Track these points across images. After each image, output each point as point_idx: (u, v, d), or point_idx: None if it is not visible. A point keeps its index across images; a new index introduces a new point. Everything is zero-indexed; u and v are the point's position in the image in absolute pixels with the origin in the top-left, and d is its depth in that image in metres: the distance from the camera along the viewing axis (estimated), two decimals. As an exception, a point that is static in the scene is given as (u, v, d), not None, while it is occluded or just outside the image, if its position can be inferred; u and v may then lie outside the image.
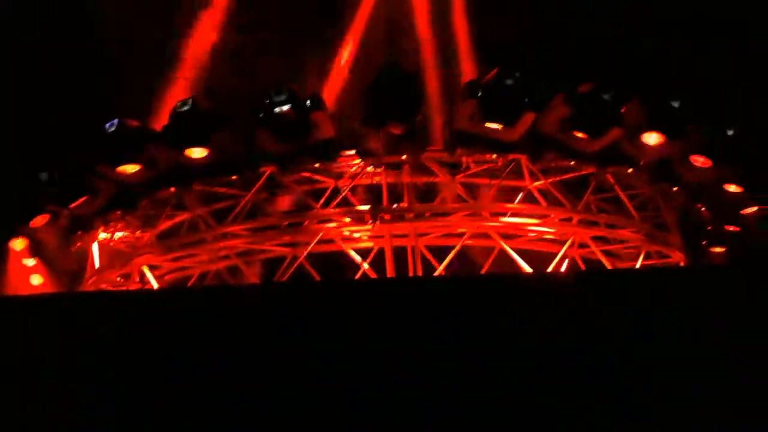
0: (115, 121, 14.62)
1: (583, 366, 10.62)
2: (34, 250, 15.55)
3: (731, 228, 15.89)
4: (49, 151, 15.96)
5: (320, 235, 14.93)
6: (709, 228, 16.07)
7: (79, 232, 15.74)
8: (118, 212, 15.75)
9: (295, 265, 14.96)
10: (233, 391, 10.48)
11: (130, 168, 14.86)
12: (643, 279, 12.88)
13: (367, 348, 10.84)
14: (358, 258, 15.10)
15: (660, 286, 11.62)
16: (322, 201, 15.18)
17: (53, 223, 15.35)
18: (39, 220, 15.46)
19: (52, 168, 15.39)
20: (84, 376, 10.49)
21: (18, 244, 15.60)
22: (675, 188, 15.73)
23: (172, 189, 15.52)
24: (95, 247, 16.03)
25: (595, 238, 15.85)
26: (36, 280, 15.84)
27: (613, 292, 11.39)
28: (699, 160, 15.15)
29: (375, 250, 15.55)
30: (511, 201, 15.48)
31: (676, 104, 15.00)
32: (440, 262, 14.93)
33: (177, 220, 16.09)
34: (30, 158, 16.26)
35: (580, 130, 14.78)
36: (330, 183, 15.39)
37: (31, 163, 15.84)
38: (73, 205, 15.23)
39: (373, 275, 15.07)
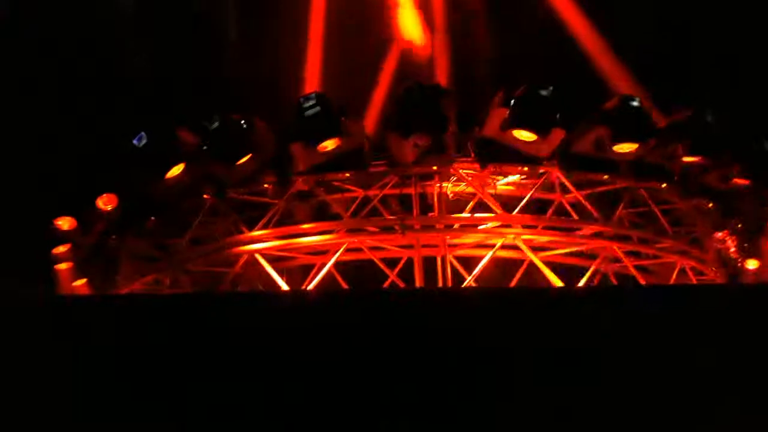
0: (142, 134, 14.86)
1: (611, 382, 10.58)
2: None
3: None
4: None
5: (346, 244, 14.98)
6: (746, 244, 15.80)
7: (114, 237, 15.95)
8: (152, 219, 15.96)
9: (323, 273, 15.03)
10: (259, 396, 10.58)
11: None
12: (676, 295, 12.77)
13: (392, 357, 10.89)
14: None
15: (692, 303, 11.53)
16: (351, 210, 15.28)
17: (85, 228, 15.56)
18: (69, 223, 15.68)
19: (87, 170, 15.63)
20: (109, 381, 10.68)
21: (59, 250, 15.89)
22: (710, 204, 15.51)
23: (206, 195, 15.76)
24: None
25: (628, 254, 15.70)
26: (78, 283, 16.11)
27: (642, 308, 11.32)
28: (734, 177, 14.99)
29: (404, 260, 15.59)
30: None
31: (710, 119, 14.88)
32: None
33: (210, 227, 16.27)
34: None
35: (616, 143, 14.74)
36: (359, 192, 15.46)
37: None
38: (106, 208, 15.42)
39: (401, 285, 15.12)
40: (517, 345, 10.84)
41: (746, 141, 15.02)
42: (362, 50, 18.59)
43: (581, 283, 15.18)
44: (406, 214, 15.17)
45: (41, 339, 10.76)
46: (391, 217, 15.20)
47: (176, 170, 15.06)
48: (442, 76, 18.48)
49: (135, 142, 15.11)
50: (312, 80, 18.52)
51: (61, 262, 15.87)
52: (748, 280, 15.17)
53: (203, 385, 10.64)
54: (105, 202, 15.43)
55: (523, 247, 15.03)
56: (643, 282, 15.42)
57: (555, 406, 10.44)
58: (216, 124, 15.06)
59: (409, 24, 18.60)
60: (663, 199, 15.73)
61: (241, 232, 15.57)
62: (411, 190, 15.28)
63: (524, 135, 14.59)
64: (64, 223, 15.47)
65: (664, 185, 15.48)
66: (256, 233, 15.34)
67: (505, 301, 12.06)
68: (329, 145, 14.65)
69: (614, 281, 16.04)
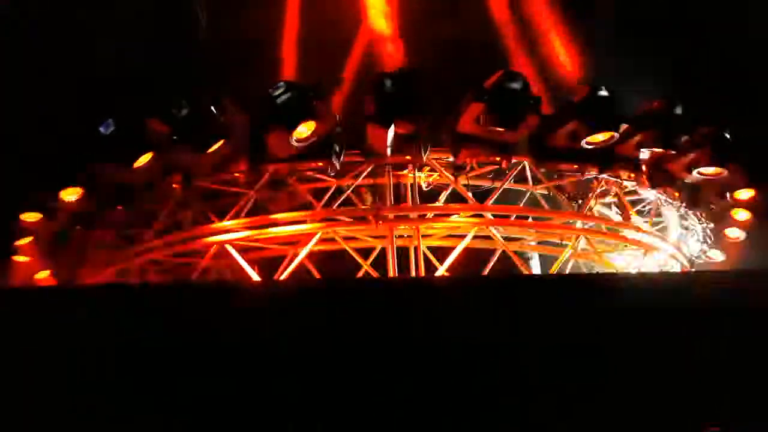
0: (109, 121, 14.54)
1: (589, 369, 10.71)
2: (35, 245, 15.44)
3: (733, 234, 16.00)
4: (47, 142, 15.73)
5: (320, 233, 14.87)
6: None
7: (79, 228, 15.63)
8: (119, 208, 15.66)
9: (296, 263, 14.91)
10: (231, 387, 10.47)
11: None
12: (645, 284, 12.97)
13: (367, 348, 10.87)
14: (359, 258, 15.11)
15: (658, 291, 11.72)
16: (324, 200, 15.18)
17: (50, 219, 15.23)
18: (34, 216, 15.33)
19: (51, 159, 15.22)
20: (82, 372, 10.49)
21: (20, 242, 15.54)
22: (676, 192, 15.80)
23: (177, 185, 15.50)
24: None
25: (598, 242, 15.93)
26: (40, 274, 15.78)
27: (616, 296, 11.47)
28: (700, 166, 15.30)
29: (377, 250, 15.55)
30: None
31: (678, 110, 15.15)
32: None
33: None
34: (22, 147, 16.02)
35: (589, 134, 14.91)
36: (332, 182, 15.37)
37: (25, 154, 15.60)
38: (70, 200, 15.09)
39: (375, 275, 15.08)
40: (491, 335, 10.92)
41: (713, 131, 15.32)
42: (331, 31, 18.38)
43: (552, 272, 15.33)
44: (380, 203, 15.15)
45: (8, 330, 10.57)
46: (365, 207, 15.15)
47: (144, 159, 14.79)
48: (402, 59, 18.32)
49: (102, 129, 14.80)
50: (285, 60, 18.25)
51: (22, 255, 15.63)
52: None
53: (171, 378, 10.55)
54: (69, 194, 15.12)
55: (496, 236, 15.12)
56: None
57: (530, 396, 10.56)
58: (185, 111, 14.79)
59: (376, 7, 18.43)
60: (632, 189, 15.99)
61: (211, 222, 15.40)
62: (384, 180, 15.25)
63: (498, 128, 14.68)
64: (29, 216, 15.13)
65: (631, 175, 15.69)
66: (227, 223, 15.15)
67: (478, 290, 12.13)
68: (305, 130, 14.50)
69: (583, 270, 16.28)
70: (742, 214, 15.86)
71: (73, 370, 10.51)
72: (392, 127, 14.39)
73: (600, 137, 14.82)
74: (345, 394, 10.62)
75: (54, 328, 10.84)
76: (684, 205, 15.87)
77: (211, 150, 14.85)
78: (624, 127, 14.97)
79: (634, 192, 16.06)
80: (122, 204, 15.62)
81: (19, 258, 15.56)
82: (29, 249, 15.55)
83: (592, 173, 15.42)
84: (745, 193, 15.69)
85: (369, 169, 15.13)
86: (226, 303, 11.35)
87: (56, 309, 11.14)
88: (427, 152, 14.90)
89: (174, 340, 10.82)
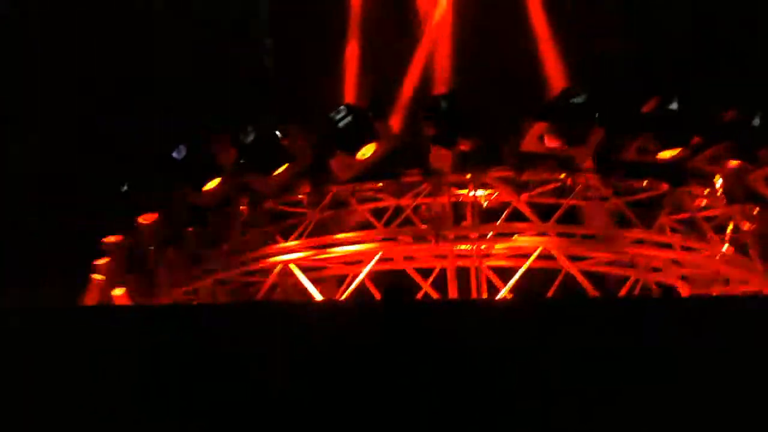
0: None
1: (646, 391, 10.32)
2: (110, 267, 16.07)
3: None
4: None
5: (380, 253, 14.87)
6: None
7: (153, 249, 16.16)
8: (191, 230, 16.11)
9: (356, 283, 14.96)
10: (287, 406, 10.57)
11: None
12: (719, 307, 12.37)
13: (425, 368, 10.77)
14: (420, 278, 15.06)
15: (737, 315, 11.16)
16: (384, 219, 15.18)
17: (125, 239, 15.84)
18: (114, 238, 15.98)
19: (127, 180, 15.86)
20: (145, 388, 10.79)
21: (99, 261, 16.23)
22: (756, 209, 14.98)
23: (243, 206, 15.85)
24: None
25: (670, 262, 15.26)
26: (116, 293, 16.42)
27: (689, 319, 10.98)
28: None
29: (437, 270, 15.42)
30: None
31: (756, 123, 14.43)
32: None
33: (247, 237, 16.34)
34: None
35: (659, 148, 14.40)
36: (392, 201, 15.36)
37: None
38: (144, 221, 15.66)
39: (435, 295, 14.97)
40: (553, 357, 10.61)
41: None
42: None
43: (621, 293, 14.82)
44: (440, 221, 15.02)
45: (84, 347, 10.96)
46: (426, 227, 15.06)
47: (214, 183, 15.25)
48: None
49: (175, 155, 15.40)
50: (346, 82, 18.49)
51: (99, 273, 16.29)
52: None
53: (239, 398, 10.68)
54: (145, 219, 15.73)
55: (560, 256, 14.71)
56: (684, 292, 14.99)
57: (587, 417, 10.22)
58: (252, 137, 15.20)
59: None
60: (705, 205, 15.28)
61: (276, 242, 15.63)
62: (444, 199, 15.11)
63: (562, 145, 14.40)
64: (110, 239, 15.80)
65: (707, 191, 15.01)
66: (291, 243, 15.37)
67: (541, 312, 11.83)
68: (367, 151, 14.64)
69: (656, 290, 15.61)
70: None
71: (135, 388, 10.83)
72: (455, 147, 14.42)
73: (669, 153, 14.27)
74: (402, 414, 10.56)
75: (123, 346, 11.18)
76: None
77: (276, 173, 15.16)
78: (696, 139, 14.37)
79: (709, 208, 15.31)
80: (194, 225, 16.11)
81: (97, 276, 16.25)
82: (106, 268, 16.22)
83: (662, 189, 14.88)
84: None
85: (428, 188, 15.07)
86: (287, 322, 11.49)
87: (128, 327, 11.53)
88: (489, 170, 14.76)
89: (239, 360, 11.00)
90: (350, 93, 17.83)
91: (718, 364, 10.18)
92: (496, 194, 15.21)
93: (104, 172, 16.77)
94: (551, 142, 14.49)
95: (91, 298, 16.16)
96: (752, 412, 9.89)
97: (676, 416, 9.94)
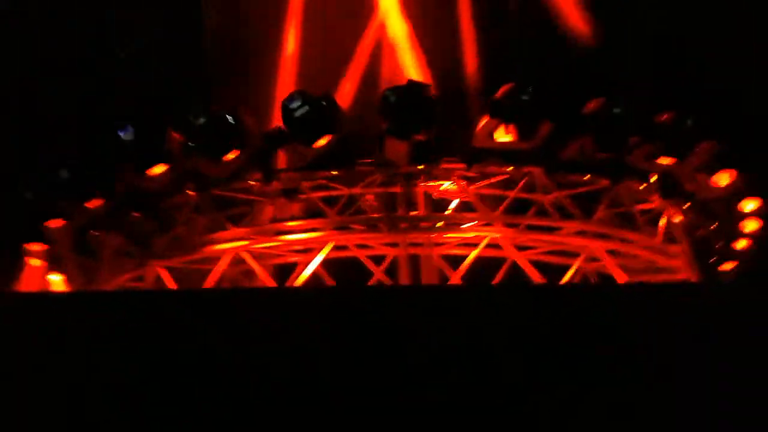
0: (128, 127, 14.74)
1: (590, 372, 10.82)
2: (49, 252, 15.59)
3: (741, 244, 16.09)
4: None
5: (332, 242, 15.04)
6: (718, 245, 16.26)
7: (93, 233, 15.76)
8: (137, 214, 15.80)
9: (310, 270, 15.08)
10: (239, 393, 10.59)
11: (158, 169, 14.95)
12: (654, 294, 13.06)
13: (378, 353, 10.98)
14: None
15: (668, 301, 11.81)
16: (337, 208, 15.36)
17: (68, 224, 15.38)
18: (54, 222, 15.50)
19: (70, 165, 15.37)
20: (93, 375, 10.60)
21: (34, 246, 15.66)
22: (686, 204, 15.91)
23: (191, 192, 15.66)
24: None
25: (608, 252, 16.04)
26: (53, 278, 15.92)
27: (624, 305, 11.56)
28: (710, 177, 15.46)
29: (389, 258, 15.72)
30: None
31: (690, 122, 15.31)
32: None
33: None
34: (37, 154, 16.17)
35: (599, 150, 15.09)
36: (344, 190, 15.54)
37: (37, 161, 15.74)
38: (89, 205, 15.24)
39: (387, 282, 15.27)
40: (502, 342, 11.01)
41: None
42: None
43: (563, 281, 15.46)
44: (391, 212, 15.31)
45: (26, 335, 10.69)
46: (379, 215, 15.32)
47: (160, 167, 14.98)
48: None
49: (121, 133, 14.98)
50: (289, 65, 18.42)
51: (34, 258, 15.74)
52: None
53: (186, 383, 10.65)
54: (90, 203, 15.30)
55: (506, 245, 15.27)
56: (621, 280, 15.77)
57: (538, 403, 10.65)
58: (202, 120, 14.96)
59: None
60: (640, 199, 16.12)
61: (225, 229, 15.56)
62: (397, 189, 15.40)
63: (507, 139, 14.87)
64: (53, 223, 15.29)
65: (642, 186, 15.83)
66: (240, 230, 15.33)
67: (489, 298, 12.23)
68: (323, 142, 14.72)
69: (595, 279, 16.39)
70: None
71: (81, 377, 10.61)
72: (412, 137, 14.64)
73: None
74: (354, 400, 10.74)
75: (65, 335, 10.93)
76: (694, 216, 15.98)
77: (226, 158, 15.04)
78: (634, 139, 15.15)
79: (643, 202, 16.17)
80: (139, 210, 15.81)
81: (33, 262, 15.71)
82: (43, 253, 15.68)
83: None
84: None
85: (381, 178, 15.33)
86: (239, 310, 11.49)
87: (69, 315, 11.26)
88: (440, 162, 15.13)
89: (183, 347, 10.92)
90: (289, 81, 17.84)
91: (652, 346, 10.84)
92: (446, 185, 15.65)
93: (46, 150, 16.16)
94: (500, 137, 14.98)
95: (28, 284, 15.65)
96: (680, 388, 10.53)
97: (615, 396, 10.54)
